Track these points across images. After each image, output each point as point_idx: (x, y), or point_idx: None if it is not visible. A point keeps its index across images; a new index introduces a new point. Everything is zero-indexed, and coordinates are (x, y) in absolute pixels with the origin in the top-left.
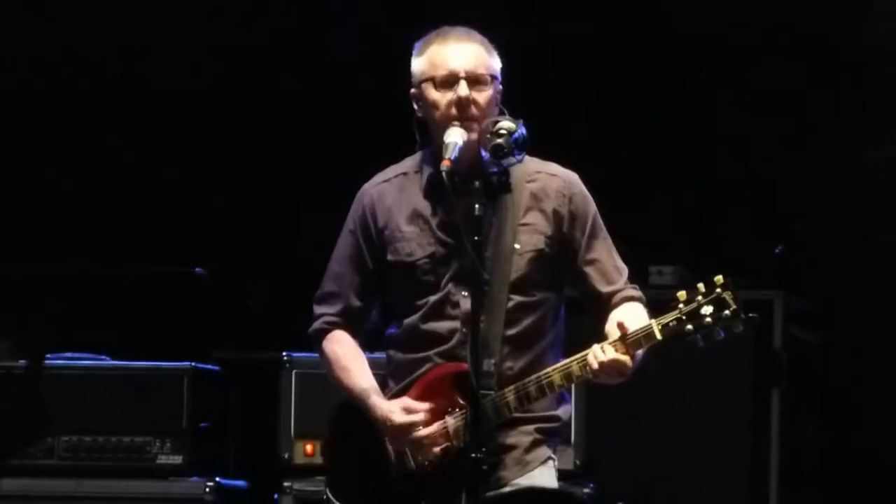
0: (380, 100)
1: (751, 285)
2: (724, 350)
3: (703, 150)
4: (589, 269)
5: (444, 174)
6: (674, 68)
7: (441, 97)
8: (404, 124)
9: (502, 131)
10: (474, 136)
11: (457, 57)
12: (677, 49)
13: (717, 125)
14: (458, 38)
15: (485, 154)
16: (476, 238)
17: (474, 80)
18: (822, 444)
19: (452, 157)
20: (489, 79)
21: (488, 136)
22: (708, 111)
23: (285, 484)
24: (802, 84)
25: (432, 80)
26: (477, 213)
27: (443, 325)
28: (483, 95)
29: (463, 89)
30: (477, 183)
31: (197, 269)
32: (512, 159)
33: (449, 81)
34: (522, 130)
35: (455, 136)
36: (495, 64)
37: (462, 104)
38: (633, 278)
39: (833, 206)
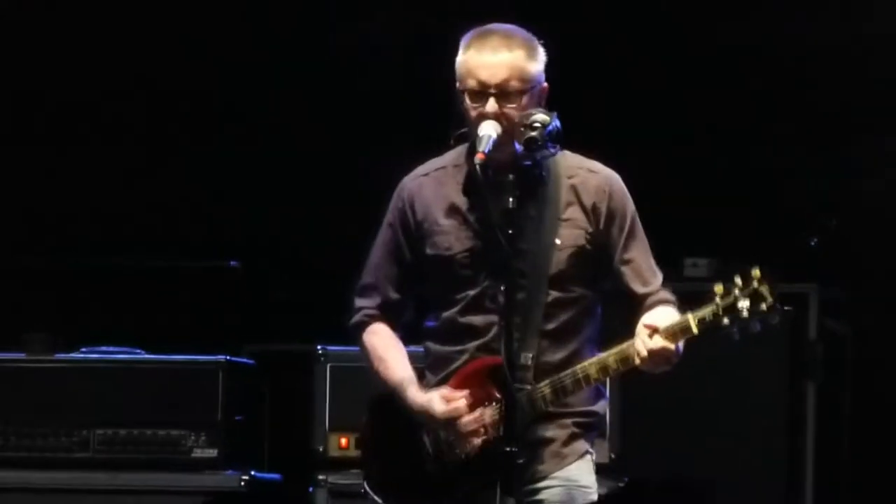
0: (409, 94)
1: (785, 278)
2: (759, 343)
3: (738, 142)
4: (624, 269)
5: (477, 167)
6: (709, 62)
7: (471, 108)
8: (433, 119)
9: (536, 124)
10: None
11: (487, 70)
12: (711, 43)
13: (752, 118)
14: (494, 47)
15: (518, 147)
16: (510, 231)
17: (504, 94)
18: (858, 437)
19: (486, 150)
20: (521, 92)
21: (522, 129)
22: (744, 104)
23: (319, 477)
24: (835, 77)
25: (466, 90)
26: (510, 206)
27: (481, 319)
28: (514, 108)
29: (491, 105)
30: (511, 176)
31: (232, 263)
32: (546, 152)
33: (479, 94)
34: (556, 123)
35: (489, 129)
36: (534, 69)
37: (489, 119)
38: (665, 280)
39: (867, 197)
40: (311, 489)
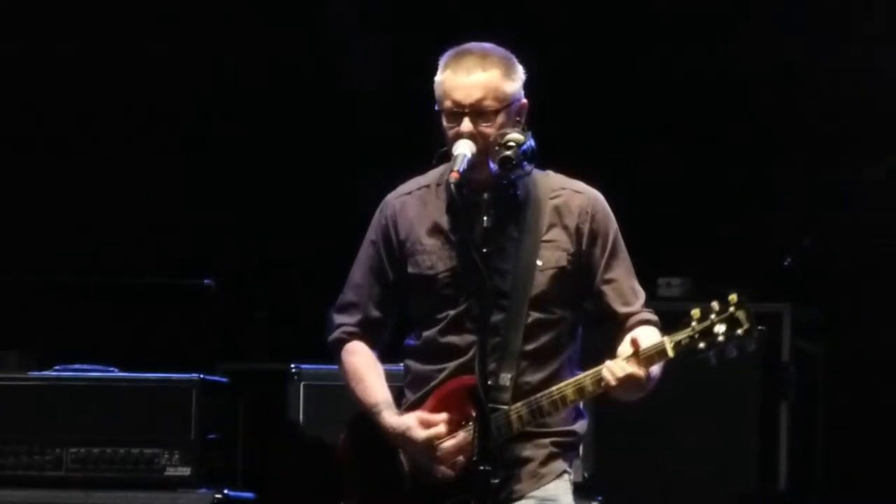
0: (390, 109)
1: (759, 298)
2: (733, 363)
3: (711, 162)
4: (606, 289)
5: (452, 186)
6: (682, 81)
7: (448, 127)
8: (412, 134)
9: (511, 143)
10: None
11: (462, 91)
12: (686, 62)
13: (725, 137)
14: (468, 68)
15: (493, 166)
16: (485, 251)
17: (479, 114)
18: (831, 456)
19: (461, 170)
20: (496, 111)
21: (496, 148)
22: (716, 123)
23: None
24: (809, 97)
25: (442, 110)
26: (485, 225)
27: (461, 339)
28: (489, 127)
29: (465, 125)
30: (485, 195)
31: (205, 281)
32: (521, 171)
33: (455, 114)
34: (531, 142)
35: (463, 149)
36: (510, 88)
37: (464, 138)
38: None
39: (840, 218)
40: None
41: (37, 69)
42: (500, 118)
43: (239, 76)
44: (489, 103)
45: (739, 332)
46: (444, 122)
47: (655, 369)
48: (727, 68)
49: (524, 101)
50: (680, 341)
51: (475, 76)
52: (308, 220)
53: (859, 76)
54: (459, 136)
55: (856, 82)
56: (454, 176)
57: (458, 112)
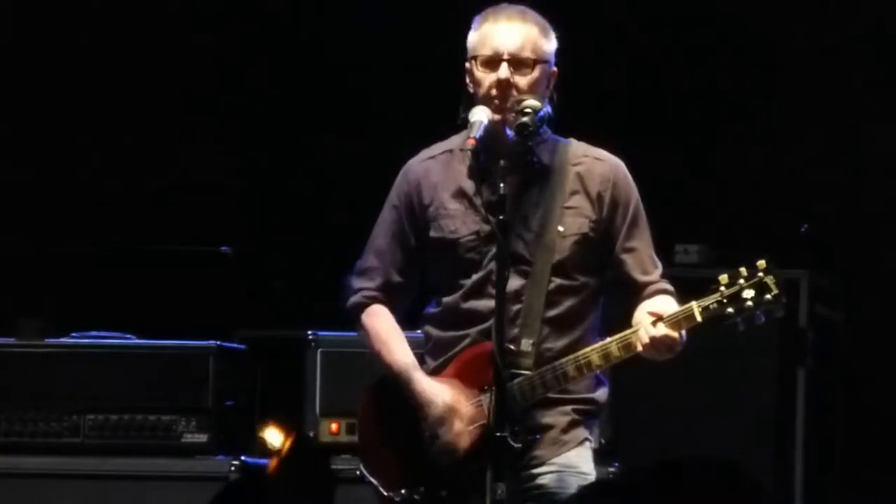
0: (407, 78)
1: (776, 264)
2: (750, 329)
3: (729, 127)
4: (626, 257)
5: (469, 153)
6: (700, 49)
7: (484, 77)
8: (430, 103)
9: (527, 109)
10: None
11: (503, 37)
12: (701, 31)
13: (742, 103)
14: (509, 17)
15: (510, 133)
16: (501, 217)
17: (517, 63)
18: (848, 423)
19: (477, 136)
20: (533, 62)
21: (514, 114)
22: (733, 88)
23: None
24: (825, 64)
25: (478, 58)
26: (501, 191)
27: (483, 304)
28: (525, 79)
29: (503, 72)
30: (502, 161)
31: (223, 248)
32: (538, 138)
33: (492, 61)
34: (548, 109)
35: (480, 115)
36: (547, 47)
37: (501, 87)
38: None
39: (856, 184)
40: None
41: (59, 42)
42: (536, 72)
43: (257, 49)
44: (527, 54)
45: (768, 297)
46: (478, 72)
47: (683, 333)
48: (749, 37)
49: (555, 69)
50: (708, 306)
51: (515, 24)
52: (325, 187)
53: (875, 42)
54: (496, 84)
55: (874, 48)
56: (470, 143)
57: (496, 59)
